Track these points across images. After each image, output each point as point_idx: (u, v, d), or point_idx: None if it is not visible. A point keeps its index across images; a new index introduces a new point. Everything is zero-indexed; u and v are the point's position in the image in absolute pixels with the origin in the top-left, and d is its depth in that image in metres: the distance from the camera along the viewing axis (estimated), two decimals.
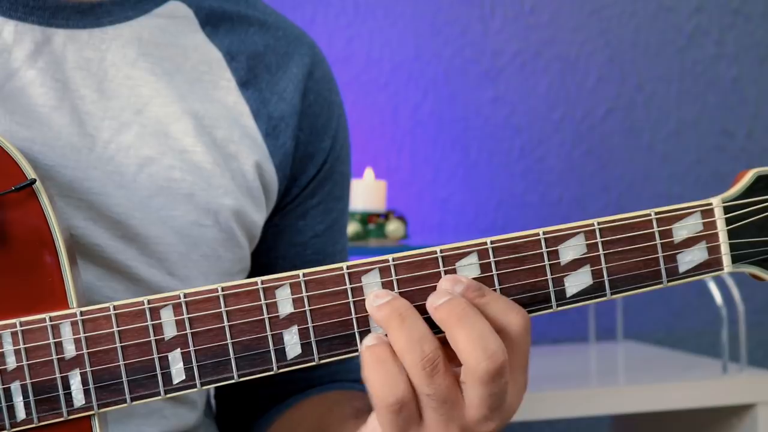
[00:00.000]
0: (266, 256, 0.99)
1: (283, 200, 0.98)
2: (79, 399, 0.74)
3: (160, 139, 0.89)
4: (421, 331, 0.71)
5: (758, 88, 2.23)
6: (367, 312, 0.73)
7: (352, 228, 1.76)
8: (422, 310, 0.73)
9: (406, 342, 0.71)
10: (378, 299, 0.72)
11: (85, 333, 0.73)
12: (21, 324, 0.73)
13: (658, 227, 0.75)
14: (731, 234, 0.75)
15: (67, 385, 0.73)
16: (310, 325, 0.74)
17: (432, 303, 0.72)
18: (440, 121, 2.05)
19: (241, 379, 0.74)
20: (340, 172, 1.02)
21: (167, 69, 0.91)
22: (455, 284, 0.72)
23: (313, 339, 0.74)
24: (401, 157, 2.03)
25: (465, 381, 0.71)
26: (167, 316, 0.73)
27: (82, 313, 0.73)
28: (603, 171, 2.14)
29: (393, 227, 1.78)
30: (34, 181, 0.75)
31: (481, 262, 0.74)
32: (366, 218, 1.78)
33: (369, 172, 1.83)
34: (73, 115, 0.86)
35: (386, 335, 0.72)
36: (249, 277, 0.97)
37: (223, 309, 0.73)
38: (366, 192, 1.80)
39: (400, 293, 0.73)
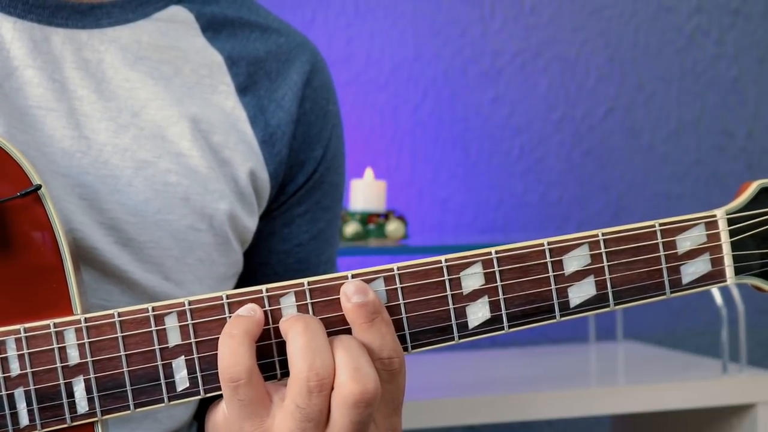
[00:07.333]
0: (248, 262, 0.98)
1: (269, 206, 0.97)
2: (82, 406, 0.73)
3: (156, 142, 0.88)
4: (320, 342, 0.70)
5: (758, 88, 2.23)
6: None
7: (352, 228, 1.76)
8: (428, 319, 0.73)
9: (302, 347, 0.69)
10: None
11: (89, 339, 0.73)
12: (25, 330, 0.73)
13: (662, 238, 0.74)
14: (734, 246, 0.75)
15: (70, 392, 0.73)
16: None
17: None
18: (440, 121, 2.05)
19: None
20: (330, 183, 1.00)
21: (166, 72, 0.90)
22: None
23: None
24: (401, 157, 2.03)
25: (333, 400, 0.70)
26: (171, 324, 0.73)
27: (86, 320, 0.73)
28: (603, 171, 2.14)
29: (393, 227, 1.78)
30: (39, 187, 0.74)
31: (485, 271, 0.73)
32: (366, 218, 1.78)
33: (369, 172, 1.83)
34: (70, 117, 0.86)
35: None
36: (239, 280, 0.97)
37: (227, 316, 0.72)
38: (366, 192, 1.80)
39: (405, 303, 0.73)
